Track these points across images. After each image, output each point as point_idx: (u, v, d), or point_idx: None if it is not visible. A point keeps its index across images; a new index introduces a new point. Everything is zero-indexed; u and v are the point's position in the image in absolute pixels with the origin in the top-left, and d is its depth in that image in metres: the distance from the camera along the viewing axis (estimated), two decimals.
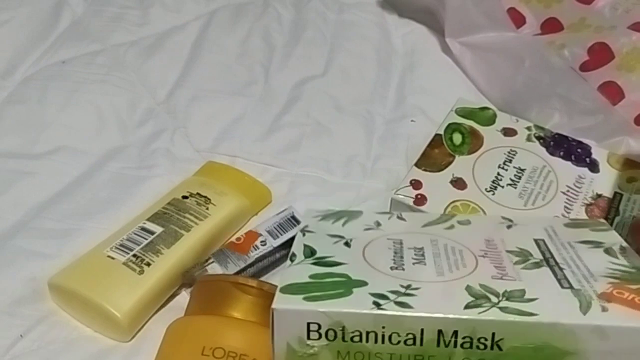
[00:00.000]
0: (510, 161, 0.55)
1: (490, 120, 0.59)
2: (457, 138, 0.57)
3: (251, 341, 0.39)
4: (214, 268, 0.47)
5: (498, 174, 0.54)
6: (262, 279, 0.49)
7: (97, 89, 0.64)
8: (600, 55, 0.60)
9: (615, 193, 0.53)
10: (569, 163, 0.55)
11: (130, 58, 0.68)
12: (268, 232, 0.49)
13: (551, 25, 0.67)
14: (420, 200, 0.52)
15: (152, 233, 0.49)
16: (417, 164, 0.54)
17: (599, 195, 0.53)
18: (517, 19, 0.69)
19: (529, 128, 0.58)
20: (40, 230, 0.51)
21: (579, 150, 0.56)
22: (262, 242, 0.49)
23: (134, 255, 0.47)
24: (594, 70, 0.60)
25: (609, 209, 0.52)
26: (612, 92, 0.59)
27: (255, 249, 0.48)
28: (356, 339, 0.32)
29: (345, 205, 0.55)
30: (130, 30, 0.71)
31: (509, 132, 0.57)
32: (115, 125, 0.61)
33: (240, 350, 0.39)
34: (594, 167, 0.55)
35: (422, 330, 0.32)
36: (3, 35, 0.67)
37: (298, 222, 0.51)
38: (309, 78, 0.67)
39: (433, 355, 0.32)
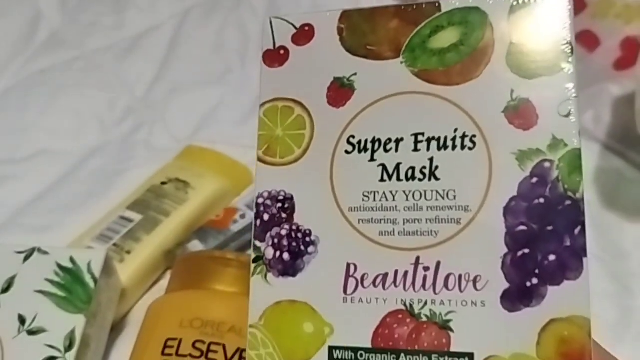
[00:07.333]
0: None
1: None
2: None
3: (228, 309, 0.39)
4: (195, 245, 0.47)
5: None
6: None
7: (75, 92, 0.64)
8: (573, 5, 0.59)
9: None
10: None
11: (107, 61, 0.68)
12: (247, 206, 0.49)
13: None
14: None
15: (131, 221, 0.49)
16: None
17: None
18: None
19: None
20: (22, 227, 0.51)
21: None
22: (241, 215, 0.48)
23: (115, 245, 0.47)
24: None
25: None
26: (589, 40, 0.58)
27: (235, 223, 0.48)
28: None
29: None
30: (106, 35, 0.71)
31: None
32: (95, 125, 0.61)
33: (218, 319, 0.38)
34: None
35: None
36: None
37: None
38: None
39: None
